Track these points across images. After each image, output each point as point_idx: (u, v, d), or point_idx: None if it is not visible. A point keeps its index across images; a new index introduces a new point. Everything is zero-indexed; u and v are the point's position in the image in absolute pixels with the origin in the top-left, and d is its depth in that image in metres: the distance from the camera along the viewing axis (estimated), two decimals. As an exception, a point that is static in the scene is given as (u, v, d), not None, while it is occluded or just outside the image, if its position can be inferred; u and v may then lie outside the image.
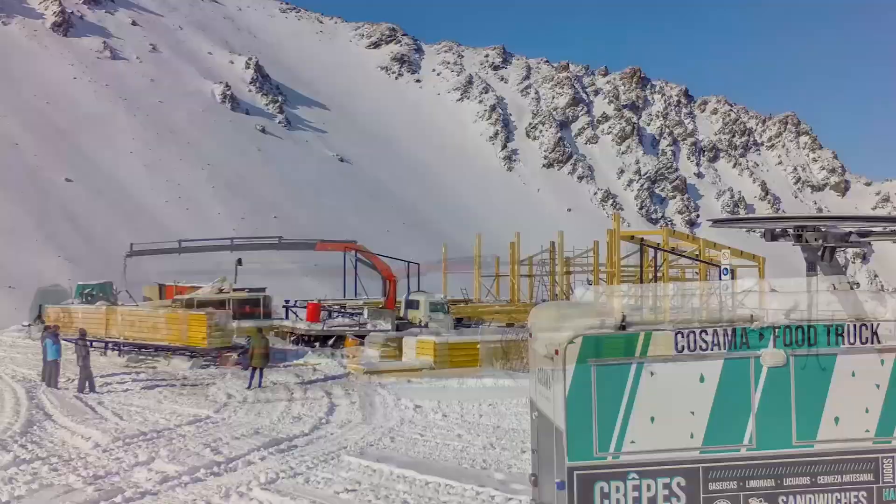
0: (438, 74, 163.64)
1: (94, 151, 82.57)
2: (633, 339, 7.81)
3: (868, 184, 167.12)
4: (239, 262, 38.80)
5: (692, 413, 7.78)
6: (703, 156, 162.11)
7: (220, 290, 33.77)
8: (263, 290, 37.40)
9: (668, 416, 7.75)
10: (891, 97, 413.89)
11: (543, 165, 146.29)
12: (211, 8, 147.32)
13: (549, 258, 46.25)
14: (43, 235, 63.65)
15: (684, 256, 41.69)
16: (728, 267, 29.97)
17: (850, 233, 24.66)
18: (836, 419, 8.08)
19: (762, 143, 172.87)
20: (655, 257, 38.66)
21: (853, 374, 8.19)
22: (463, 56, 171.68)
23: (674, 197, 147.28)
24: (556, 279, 46.25)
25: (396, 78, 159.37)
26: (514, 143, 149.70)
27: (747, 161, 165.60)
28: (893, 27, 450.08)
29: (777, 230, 25.28)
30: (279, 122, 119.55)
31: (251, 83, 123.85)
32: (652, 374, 7.75)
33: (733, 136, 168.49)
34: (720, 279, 29.56)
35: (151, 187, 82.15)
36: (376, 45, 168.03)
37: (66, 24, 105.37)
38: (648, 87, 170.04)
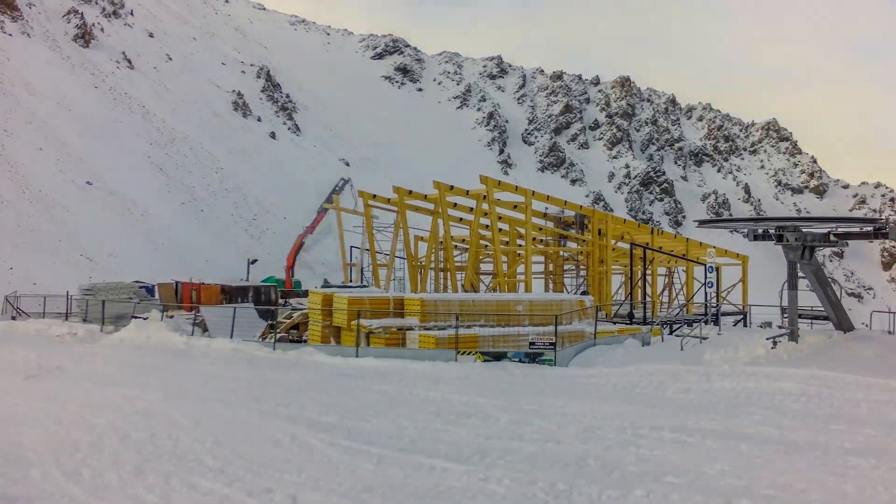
0: (439, 84, 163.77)
1: (112, 156, 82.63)
2: None
3: (845, 186, 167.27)
4: (253, 261, 39.33)
5: None
6: (689, 160, 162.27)
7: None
8: (275, 284, 37.89)
9: None
10: (869, 103, 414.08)
11: (538, 170, 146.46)
12: (223, 20, 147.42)
13: (547, 258, 46.43)
14: (64, 235, 63.73)
15: (672, 255, 41.82)
16: (713, 265, 30.10)
17: (829, 233, 24.85)
18: None
19: (745, 149, 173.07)
20: (644, 256, 38.75)
21: None
22: (462, 66, 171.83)
23: (661, 199, 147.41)
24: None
25: (399, 87, 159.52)
26: (510, 148, 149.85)
27: (731, 165, 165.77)
28: (874, 35, 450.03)
29: (759, 230, 25.53)
30: (288, 129, 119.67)
31: (261, 92, 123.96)
32: None
33: (717, 141, 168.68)
34: (706, 276, 29.71)
35: (167, 190, 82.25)
36: (380, 55, 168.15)
37: (85, 36, 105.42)
38: (637, 95, 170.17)
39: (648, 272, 39.93)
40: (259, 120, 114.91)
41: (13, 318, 32.40)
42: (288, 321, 29.98)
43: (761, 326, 34.39)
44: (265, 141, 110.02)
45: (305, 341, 28.27)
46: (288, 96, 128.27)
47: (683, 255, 40.86)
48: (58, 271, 57.88)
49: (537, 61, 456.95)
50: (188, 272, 60.69)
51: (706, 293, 30.78)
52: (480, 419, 14.62)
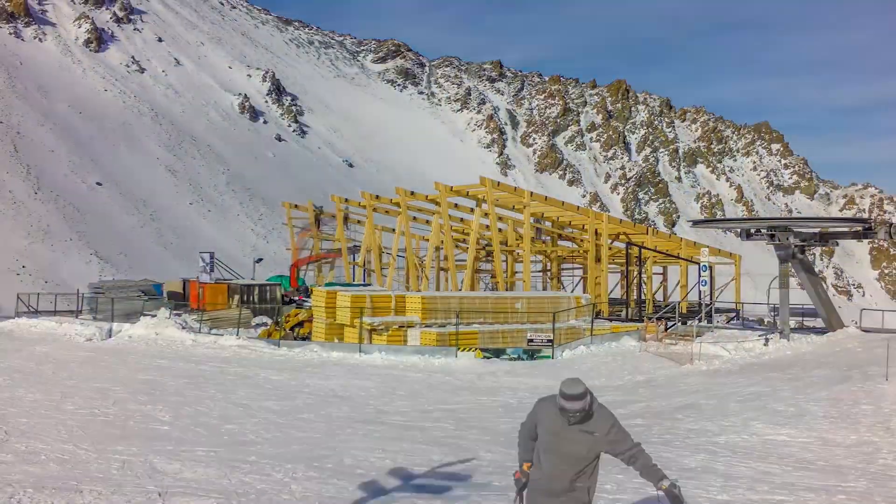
0: (440, 87, 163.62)
1: (123, 157, 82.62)
2: None
3: (835, 187, 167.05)
4: (258, 260, 39.34)
5: None
6: (684, 161, 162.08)
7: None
8: (280, 283, 37.86)
9: None
10: (858, 106, 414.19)
11: (536, 171, 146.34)
12: (230, 25, 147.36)
13: (544, 256, 46.42)
14: (75, 235, 63.72)
15: (668, 255, 41.73)
16: (707, 264, 30.01)
17: (819, 232, 24.75)
18: None
19: (738, 150, 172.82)
20: (640, 255, 38.68)
21: None
22: (462, 70, 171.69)
23: (656, 200, 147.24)
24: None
25: (401, 90, 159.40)
26: (509, 150, 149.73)
27: (724, 166, 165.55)
28: (862, 42, 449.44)
29: (752, 230, 25.44)
30: (293, 131, 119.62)
31: (267, 94, 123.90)
32: None
33: (711, 143, 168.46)
34: (699, 275, 29.61)
35: (176, 191, 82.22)
36: (383, 59, 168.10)
37: (97, 41, 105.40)
38: (633, 98, 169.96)
39: (644, 271, 39.87)
40: (265, 122, 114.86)
41: (27, 316, 32.32)
42: (293, 318, 29.92)
43: (756, 321, 34.27)
44: (271, 142, 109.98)
45: (309, 338, 28.21)
46: (293, 99, 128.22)
47: (678, 254, 40.77)
48: (69, 269, 57.85)
49: (536, 65, 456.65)
50: (197, 271, 60.59)
51: (700, 291, 30.68)
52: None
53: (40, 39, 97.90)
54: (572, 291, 41.26)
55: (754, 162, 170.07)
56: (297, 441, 12.11)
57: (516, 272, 41.74)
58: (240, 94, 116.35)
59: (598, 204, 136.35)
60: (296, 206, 49.66)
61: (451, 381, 19.77)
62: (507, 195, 37.41)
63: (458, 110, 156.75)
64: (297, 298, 37.94)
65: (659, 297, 44.45)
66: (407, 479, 9.60)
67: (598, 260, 38.35)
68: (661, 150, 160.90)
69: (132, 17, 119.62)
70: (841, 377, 16.85)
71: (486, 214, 36.46)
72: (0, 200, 63.53)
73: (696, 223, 26.14)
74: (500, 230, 38.84)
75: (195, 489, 8.81)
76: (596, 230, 38.74)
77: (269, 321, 31.53)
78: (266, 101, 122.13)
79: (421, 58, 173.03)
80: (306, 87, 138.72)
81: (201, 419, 13.67)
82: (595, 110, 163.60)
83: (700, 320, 28.42)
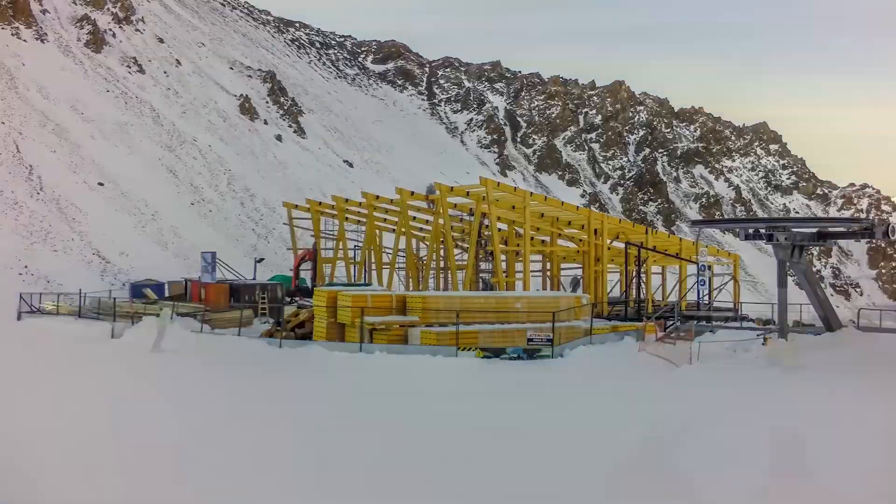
0: (440, 88, 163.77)
1: (123, 158, 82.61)
2: None
3: (833, 188, 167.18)
4: (259, 260, 39.39)
5: None
6: (682, 162, 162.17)
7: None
8: (281, 283, 37.98)
9: None
10: (856, 107, 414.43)
11: (536, 171, 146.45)
12: (230, 26, 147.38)
13: (544, 257, 46.49)
14: (77, 235, 63.70)
15: (666, 255, 41.80)
16: (705, 264, 30.08)
17: (818, 232, 24.87)
18: None
19: (736, 151, 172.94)
20: (639, 255, 38.74)
21: None
22: (462, 71, 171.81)
23: (655, 200, 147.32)
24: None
25: (401, 91, 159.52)
26: (508, 150, 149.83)
27: (722, 167, 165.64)
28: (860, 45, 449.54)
29: (751, 231, 25.54)
30: (293, 132, 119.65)
31: (268, 96, 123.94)
32: None
33: (709, 143, 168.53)
34: (698, 275, 29.68)
35: (177, 191, 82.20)
36: (382, 60, 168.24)
37: (97, 42, 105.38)
38: (632, 98, 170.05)
39: (643, 271, 39.93)
40: (265, 123, 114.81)
41: (29, 317, 32.35)
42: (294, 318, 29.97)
43: (753, 321, 34.33)
44: (271, 143, 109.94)
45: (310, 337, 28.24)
46: (293, 100, 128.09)
47: (677, 254, 40.84)
48: (71, 270, 57.84)
49: (535, 66, 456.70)
50: (197, 271, 60.65)
51: (699, 291, 30.72)
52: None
53: (41, 40, 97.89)
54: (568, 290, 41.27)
55: (752, 162, 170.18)
56: (302, 444, 12.15)
57: (517, 272, 41.79)
58: (240, 94, 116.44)
59: (598, 204, 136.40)
60: (296, 206, 49.52)
61: (450, 381, 19.84)
62: (507, 195, 37.44)
63: (458, 111, 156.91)
64: (296, 298, 38.01)
65: (658, 296, 44.51)
66: (413, 478, 9.65)
67: (597, 260, 38.42)
68: (660, 150, 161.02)
69: (132, 18, 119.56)
70: (839, 376, 16.92)
71: (486, 214, 36.51)
72: (1, 201, 63.53)
73: (695, 223, 26.24)
74: (499, 230, 38.89)
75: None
76: (595, 230, 38.81)
77: (271, 321, 31.57)
78: (266, 102, 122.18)
79: (421, 59, 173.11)
80: (306, 87, 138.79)
81: (212, 424, 13.72)
82: (594, 111, 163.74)
83: (698, 320, 28.47)
